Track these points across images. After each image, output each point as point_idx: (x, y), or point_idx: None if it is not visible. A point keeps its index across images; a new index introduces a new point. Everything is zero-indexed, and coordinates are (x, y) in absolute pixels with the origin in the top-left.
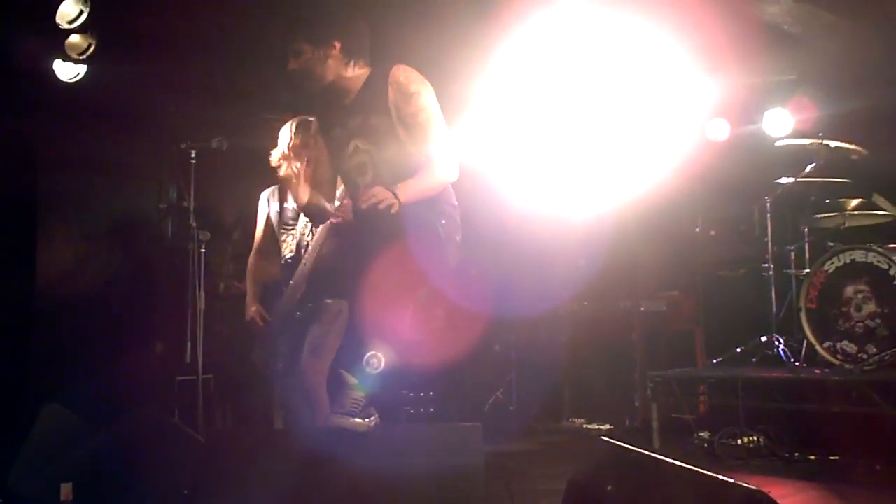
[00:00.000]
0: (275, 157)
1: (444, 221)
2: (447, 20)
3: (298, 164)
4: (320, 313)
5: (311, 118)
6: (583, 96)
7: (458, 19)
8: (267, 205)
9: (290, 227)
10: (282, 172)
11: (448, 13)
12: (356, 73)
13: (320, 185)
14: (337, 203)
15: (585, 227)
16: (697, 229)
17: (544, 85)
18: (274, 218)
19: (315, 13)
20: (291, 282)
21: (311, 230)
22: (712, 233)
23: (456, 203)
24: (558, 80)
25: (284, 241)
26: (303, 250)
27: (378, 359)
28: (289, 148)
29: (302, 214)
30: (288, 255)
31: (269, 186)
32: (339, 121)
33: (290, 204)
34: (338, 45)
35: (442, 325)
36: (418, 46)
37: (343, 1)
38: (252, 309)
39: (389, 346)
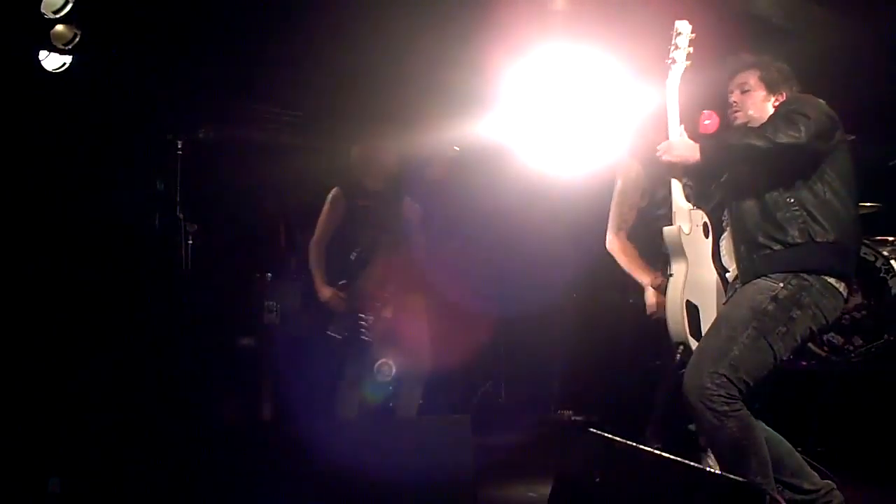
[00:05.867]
0: None
1: None
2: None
3: None
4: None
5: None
6: (570, 89)
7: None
8: (336, 203)
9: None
10: None
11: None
12: None
13: None
14: None
15: (573, 219)
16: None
17: (537, 77)
18: (345, 215)
19: None
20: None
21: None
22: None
23: None
24: (550, 71)
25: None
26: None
27: (389, 367)
28: None
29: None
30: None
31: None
32: None
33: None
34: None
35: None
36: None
37: None
38: (328, 293)
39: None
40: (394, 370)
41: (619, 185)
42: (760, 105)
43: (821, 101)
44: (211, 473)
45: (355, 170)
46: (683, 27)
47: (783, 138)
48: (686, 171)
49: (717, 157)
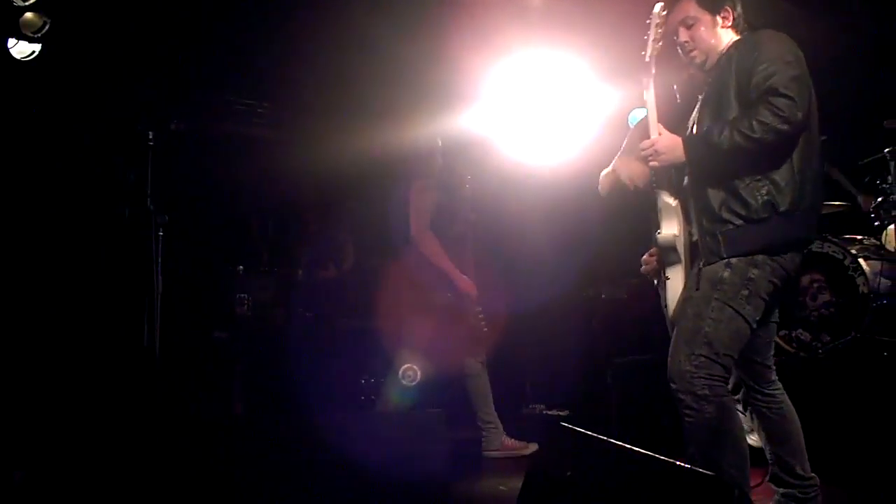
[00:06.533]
0: None
1: None
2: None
3: None
4: None
5: None
6: (544, 83)
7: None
8: (431, 192)
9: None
10: None
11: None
12: None
13: None
14: None
15: (547, 217)
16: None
17: (516, 73)
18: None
19: None
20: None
21: None
22: None
23: None
24: (528, 69)
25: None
26: None
27: (414, 371)
28: None
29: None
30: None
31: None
32: None
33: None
34: None
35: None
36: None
37: None
38: (471, 284)
39: None
40: (418, 375)
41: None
42: (712, 32)
43: (789, 49)
44: (182, 467)
45: (423, 163)
46: (656, 12)
47: (770, 135)
48: (669, 172)
49: (702, 157)
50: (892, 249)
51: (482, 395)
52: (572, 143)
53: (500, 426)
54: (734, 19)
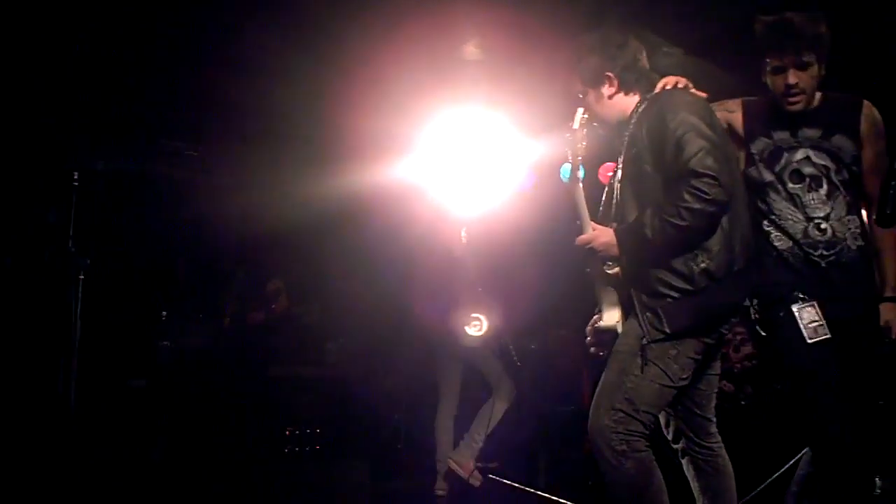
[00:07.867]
0: None
1: None
2: None
3: None
4: None
5: None
6: (475, 137)
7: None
8: None
9: None
10: None
11: None
12: None
13: None
14: None
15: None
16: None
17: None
18: None
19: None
20: None
21: None
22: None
23: None
24: (462, 123)
25: None
26: None
27: (480, 321)
28: None
29: None
30: None
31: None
32: None
33: None
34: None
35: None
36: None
37: None
38: None
39: None
40: (484, 325)
41: None
42: (602, 104)
43: (693, 109)
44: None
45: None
46: (577, 125)
47: (700, 220)
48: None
49: (636, 250)
50: None
51: (490, 419)
52: (501, 195)
53: (478, 452)
54: (619, 84)
